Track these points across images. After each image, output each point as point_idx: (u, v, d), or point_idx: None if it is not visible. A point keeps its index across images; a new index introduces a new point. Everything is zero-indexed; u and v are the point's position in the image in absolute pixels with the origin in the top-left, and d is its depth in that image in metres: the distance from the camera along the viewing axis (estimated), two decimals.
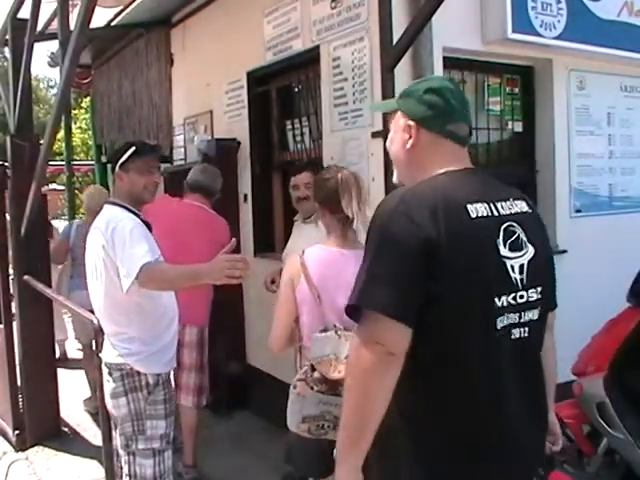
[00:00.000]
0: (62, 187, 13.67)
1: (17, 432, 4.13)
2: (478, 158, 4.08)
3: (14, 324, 4.17)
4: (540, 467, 1.78)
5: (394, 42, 3.07)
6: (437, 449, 1.50)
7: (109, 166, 7.36)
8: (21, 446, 4.10)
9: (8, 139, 4.17)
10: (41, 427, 4.16)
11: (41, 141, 4.09)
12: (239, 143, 4.65)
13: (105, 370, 2.59)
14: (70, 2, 4.03)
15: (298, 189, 3.44)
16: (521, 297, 1.52)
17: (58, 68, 3.73)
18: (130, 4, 5.19)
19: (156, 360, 2.58)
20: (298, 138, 4.35)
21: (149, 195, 2.66)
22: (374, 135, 3.38)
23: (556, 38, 3.76)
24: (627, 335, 2.98)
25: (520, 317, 1.53)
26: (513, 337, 1.52)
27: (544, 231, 1.68)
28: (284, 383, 4.18)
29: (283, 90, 4.52)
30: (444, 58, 3.50)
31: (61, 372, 4.36)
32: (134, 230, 2.46)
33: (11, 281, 4.21)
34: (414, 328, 1.41)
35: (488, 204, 1.52)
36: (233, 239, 2.31)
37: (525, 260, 1.53)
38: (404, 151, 1.65)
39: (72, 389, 4.82)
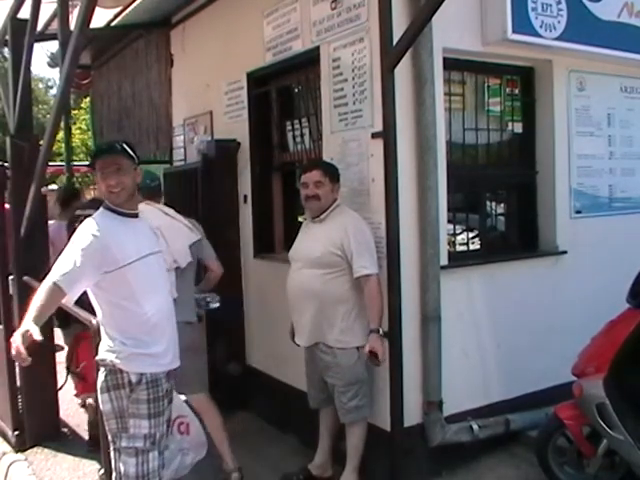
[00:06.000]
0: None
1: (16, 433, 4.13)
2: (478, 159, 4.08)
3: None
4: None
5: (394, 43, 3.06)
6: None
7: None
8: (20, 447, 4.10)
9: (8, 140, 4.17)
10: (40, 428, 4.16)
11: (41, 142, 4.09)
12: (239, 144, 4.65)
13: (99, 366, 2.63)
14: (70, 2, 4.03)
15: (307, 187, 3.32)
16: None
17: (58, 68, 3.73)
18: (130, 5, 5.19)
19: (138, 359, 2.55)
20: (298, 139, 4.34)
21: (116, 198, 2.59)
22: (374, 136, 3.37)
23: (556, 39, 3.76)
24: (627, 336, 2.98)
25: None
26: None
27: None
28: (283, 383, 4.20)
29: (283, 91, 4.52)
30: (444, 59, 3.51)
31: (60, 373, 4.35)
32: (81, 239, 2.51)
33: (10, 281, 4.20)
34: None
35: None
36: None
37: None
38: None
39: (72, 390, 4.80)
